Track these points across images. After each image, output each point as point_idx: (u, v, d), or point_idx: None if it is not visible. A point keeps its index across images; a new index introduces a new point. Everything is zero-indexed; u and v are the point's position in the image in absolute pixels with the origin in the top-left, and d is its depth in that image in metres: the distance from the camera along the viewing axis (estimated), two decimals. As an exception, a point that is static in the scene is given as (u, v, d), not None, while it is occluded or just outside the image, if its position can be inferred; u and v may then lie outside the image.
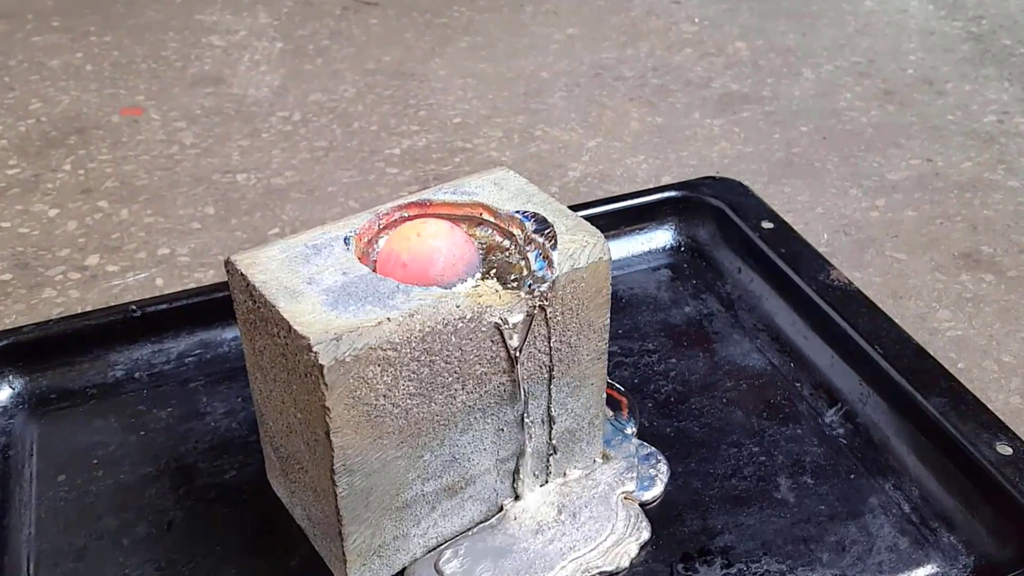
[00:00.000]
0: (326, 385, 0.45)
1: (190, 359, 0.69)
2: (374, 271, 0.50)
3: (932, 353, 0.65)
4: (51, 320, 0.70)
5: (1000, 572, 0.53)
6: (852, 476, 0.60)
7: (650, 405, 0.65)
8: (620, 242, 0.78)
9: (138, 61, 1.55)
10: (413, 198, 0.56)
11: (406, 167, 1.22)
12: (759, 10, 1.77)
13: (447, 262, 0.50)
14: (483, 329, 0.49)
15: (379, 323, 0.46)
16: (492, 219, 0.55)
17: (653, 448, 0.61)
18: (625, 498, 0.57)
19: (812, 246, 0.75)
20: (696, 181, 0.83)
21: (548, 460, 0.57)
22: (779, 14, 1.75)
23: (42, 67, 1.56)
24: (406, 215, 0.55)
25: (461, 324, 0.48)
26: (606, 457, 0.59)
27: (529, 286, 0.50)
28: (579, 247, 0.52)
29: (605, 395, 0.58)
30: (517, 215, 0.54)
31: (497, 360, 0.51)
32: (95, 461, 0.61)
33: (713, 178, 0.83)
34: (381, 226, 0.54)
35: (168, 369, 0.68)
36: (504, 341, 0.50)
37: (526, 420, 0.54)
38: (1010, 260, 1.10)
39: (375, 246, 0.53)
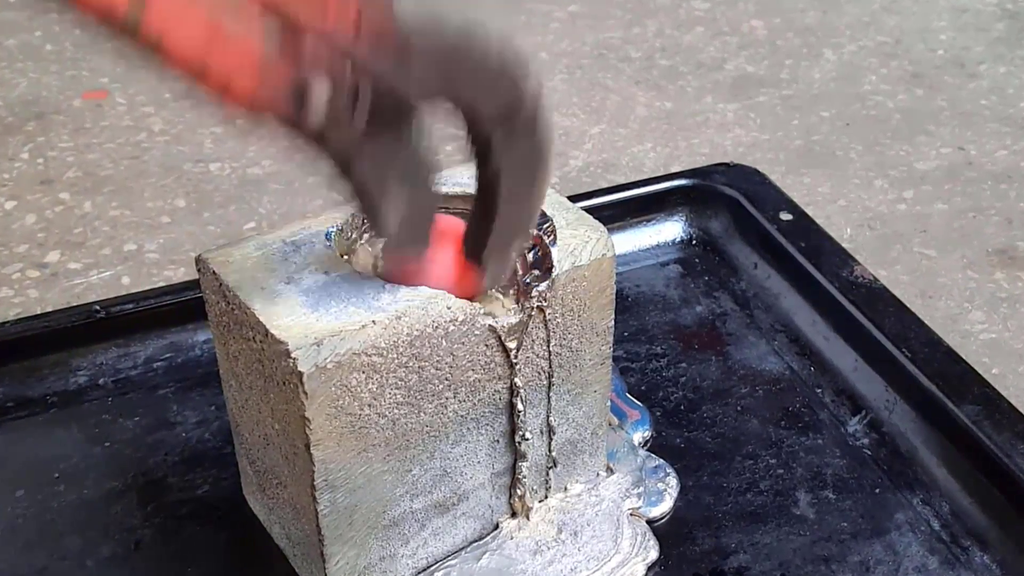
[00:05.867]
0: (306, 394, 0.45)
1: (159, 364, 0.69)
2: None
3: (964, 357, 0.65)
4: (8, 322, 0.69)
5: (1037, 594, 0.53)
6: (877, 490, 0.60)
7: (659, 414, 0.65)
8: (625, 235, 0.78)
9: (102, 41, 1.55)
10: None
11: (394, 156, 1.21)
12: (776, -15, 1.77)
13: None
14: (476, 332, 0.49)
15: (363, 326, 0.46)
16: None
17: (662, 460, 0.61)
18: (631, 514, 0.57)
19: (834, 239, 0.75)
20: (709, 168, 0.83)
21: (548, 474, 0.57)
22: (798, -11, 1.76)
23: (-2, 47, 1.56)
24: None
25: (453, 327, 0.48)
26: (610, 470, 0.59)
27: (527, 286, 0.50)
28: (580, 243, 0.52)
29: (609, 403, 0.58)
30: (514, 208, 0.53)
31: (492, 366, 0.50)
32: (56, 475, 0.61)
33: (727, 165, 0.83)
34: (366, 221, 0.54)
35: (135, 375, 0.68)
36: (499, 345, 0.50)
37: (523, 431, 0.54)
38: (1048, 256, 1.10)
39: (359, 242, 0.53)
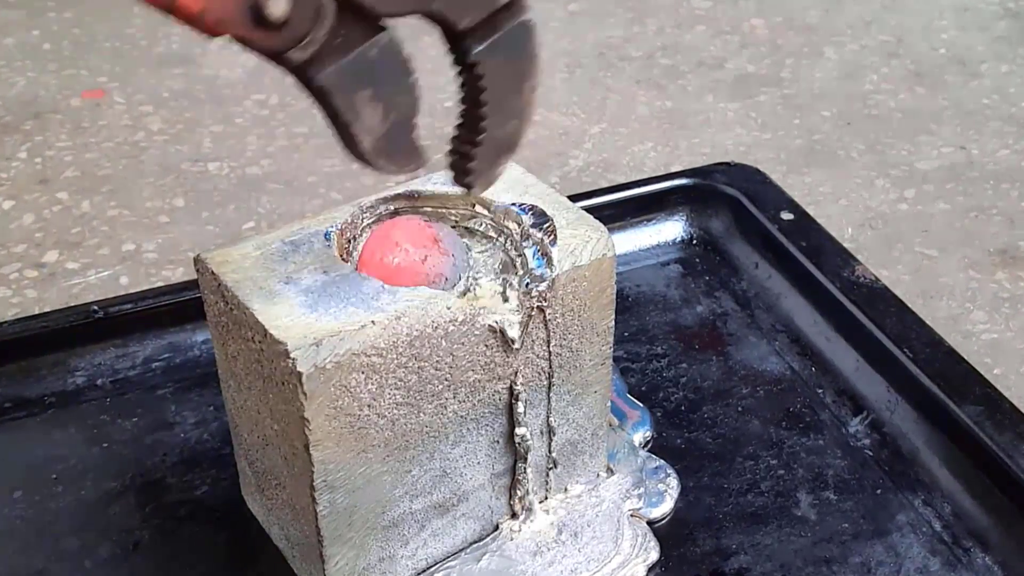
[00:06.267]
0: (305, 394, 0.45)
1: (157, 364, 0.69)
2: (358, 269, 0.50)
3: (966, 357, 0.65)
4: (5, 322, 0.69)
5: (1039, 596, 0.54)
6: (879, 491, 0.60)
7: (659, 414, 0.65)
8: (626, 235, 0.78)
9: (100, 39, 1.55)
10: (400, 189, 0.55)
11: (393, 155, 1.21)
12: (777, -16, 1.77)
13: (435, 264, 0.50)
14: (476, 333, 0.49)
15: (363, 327, 0.46)
16: (485, 212, 0.54)
17: (662, 461, 0.61)
18: (632, 515, 0.57)
19: (835, 239, 0.75)
20: (709, 168, 0.83)
21: (548, 474, 0.57)
22: (799, -12, 1.76)
23: (-4, 46, 1.56)
24: (392, 208, 0.55)
25: (452, 327, 0.48)
26: (611, 471, 0.59)
27: (526, 286, 0.50)
28: (581, 242, 0.52)
29: (610, 404, 0.58)
30: (513, 208, 0.54)
31: (492, 366, 0.51)
32: (54, 476, 0.61)
33: (728, 164, 0.83)
34: (365, 220, 0.54)
35: (133, 375, 0.68)
36: (499, 345, 0.50)
37: (523, 431, 0.54)
38: (1050, 256, 1.10)
39: (359, 242, 0.53)
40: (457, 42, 0.43)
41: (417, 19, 0.41)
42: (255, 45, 0.39)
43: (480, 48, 0.43)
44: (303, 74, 0.41)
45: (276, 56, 0.40)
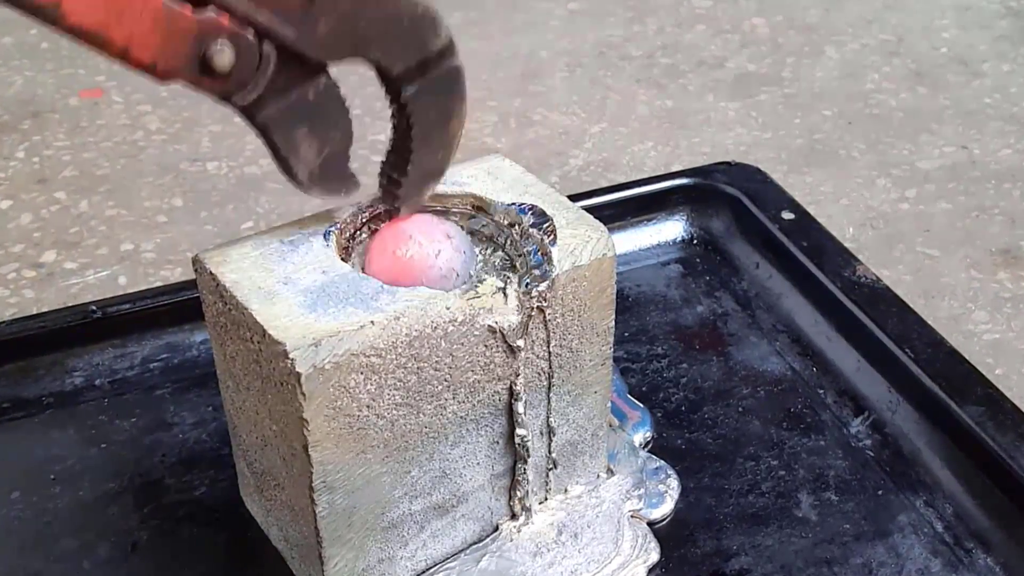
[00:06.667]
0: (304, 395, 0.45)
1: (155, 364, 0.69)
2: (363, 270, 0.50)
3: (967, 357, 0.65)
4: (3, 322, 0.69)
5: (1041, 597, 0.54)
6: (880, 492, 0.60)
7: (659, 415, 0.65)
8: (626, 235, 0.78)
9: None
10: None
11: (392, 154, 1.21)
12: (778, -17, 1.77)
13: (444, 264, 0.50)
14: (476, 333, 0.49)
15: (362, 327, 0.46)
16: (485, 212, 0.54)
17: (662, 462, 0.61)
18: (632, 516, 0.57)
19: (836, 239, 0.75)
20: (710, 167, 0.83)
21: (547, 475, 0.57)
22: (800, -13, 1.76)
23: (-7, 45, 1.56)
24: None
25: (452, 327, 0.48)
26: (611, 472, 0.59)
27: (526, 286, 0.50)
28: (581, 242, 0.52)
29: (610, 404, 0.58)
30: (513, 207, 0.54)
31: (491, 367, 0.51)
32: (52, 476, 0.61)
33: (729, 164, 0.83)
34: (364, 220, 0.54)
35: (132, 376, 0.68)
36: (499, 346, 0.50)
37: (523, 432, 0.54)
38: (1052, 256, 1.10)
39: (358, 242, 0.53)
40: (391, 84, 0.47)
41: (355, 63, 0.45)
42: (203, 90, 0.43)
43: (411, 90, 0.48)
44: (248, 113, 0.45)
45: (222, 98, 0.44)
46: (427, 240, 0.50)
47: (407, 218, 0.52)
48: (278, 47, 0.43)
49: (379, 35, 0.45)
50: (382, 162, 0.51)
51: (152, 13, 0.40)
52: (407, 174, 0.50)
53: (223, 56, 0.42)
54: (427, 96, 0.48)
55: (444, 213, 0.55)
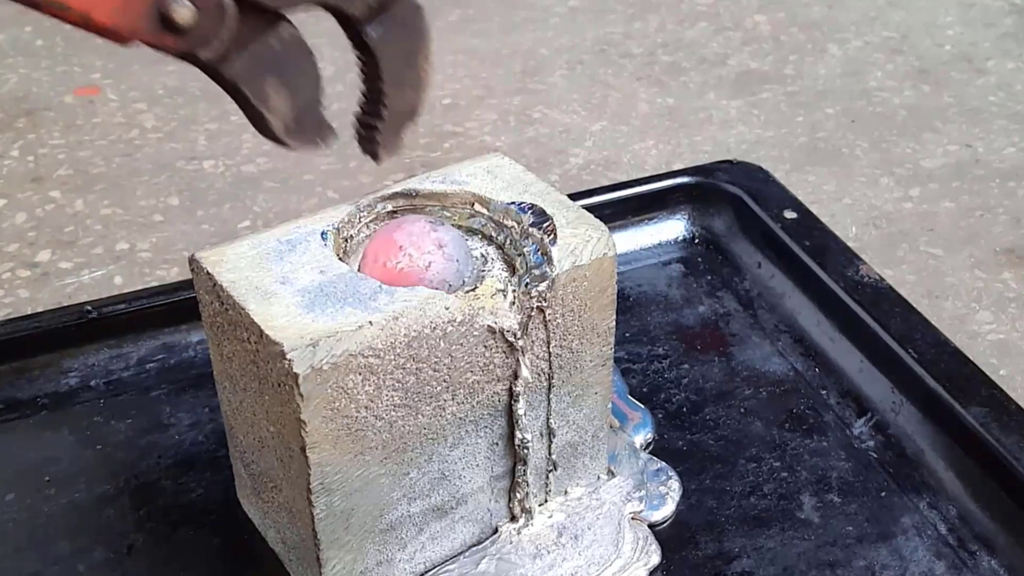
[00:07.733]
0: (301, 396, 0.45)
1: (151, 365, 0.69)
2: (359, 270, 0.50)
3: (971, 358, 0.65)
4: (-2, 323, 0.69)
5: (1046, 600, 0.54)
6: (883, 494, 0.60)
7: (660, 416, 0.65)
8: (627, 234, 0.78)
9: (94, 36, 1.55)
10: (398, 188, 0.56)
11: (391, 153, 1.21)
12: (780, -21, 1.77)
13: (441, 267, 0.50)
14: (475, 333, 0.49)
15: (360, 327, 0.46)
16: (485, 211, 0.54)
17: (664, 463, 0.61)
18: (633, 518, 0.57)
19: (839, 238, 0.75)
20: (712, 166, 0.83)
21: (548, 477, 0.57)
22: (802, -16, 1.76)
23: (-13, 42, 1.56)
24: (390, 207, 0.55)
25: (451, 328, 0.48)
26: (612, 473, 0.59)
27: (526, 286, 0.50)
28: (581, 242, 0.52)
29: (611, 405, 0.58)
30: (512, 206, 0.54)
31: (491, 367, 0.50)
32: (47, 478, 0.61)
33: (730, 162, 0.83)
34: (363, 219, 0.54)
35: (127, 376, 0.68)
36: (498, 346, 0.50)
37: (523, 433, 0.54)
38: (1057, 255, 1.10)
39: (356, 241, 0.53)
40: (351, 27, 0.47)
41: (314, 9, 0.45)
42: (165, 49, 0.43)
43: (373, 31, 0.47)
44: (213, 70, 0.45)
45: (186, 56, 0.44)
46: (417, 252, 0.50)
47: (399, 227, 0.52)
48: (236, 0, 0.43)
49: None
50: (355, 113, 0.51)
51: None
52: (382, 117, 0.50)
53: (184, 10, 0.42)
54: (390, 36, 0.48)
55: (441, 213, 0.55)
